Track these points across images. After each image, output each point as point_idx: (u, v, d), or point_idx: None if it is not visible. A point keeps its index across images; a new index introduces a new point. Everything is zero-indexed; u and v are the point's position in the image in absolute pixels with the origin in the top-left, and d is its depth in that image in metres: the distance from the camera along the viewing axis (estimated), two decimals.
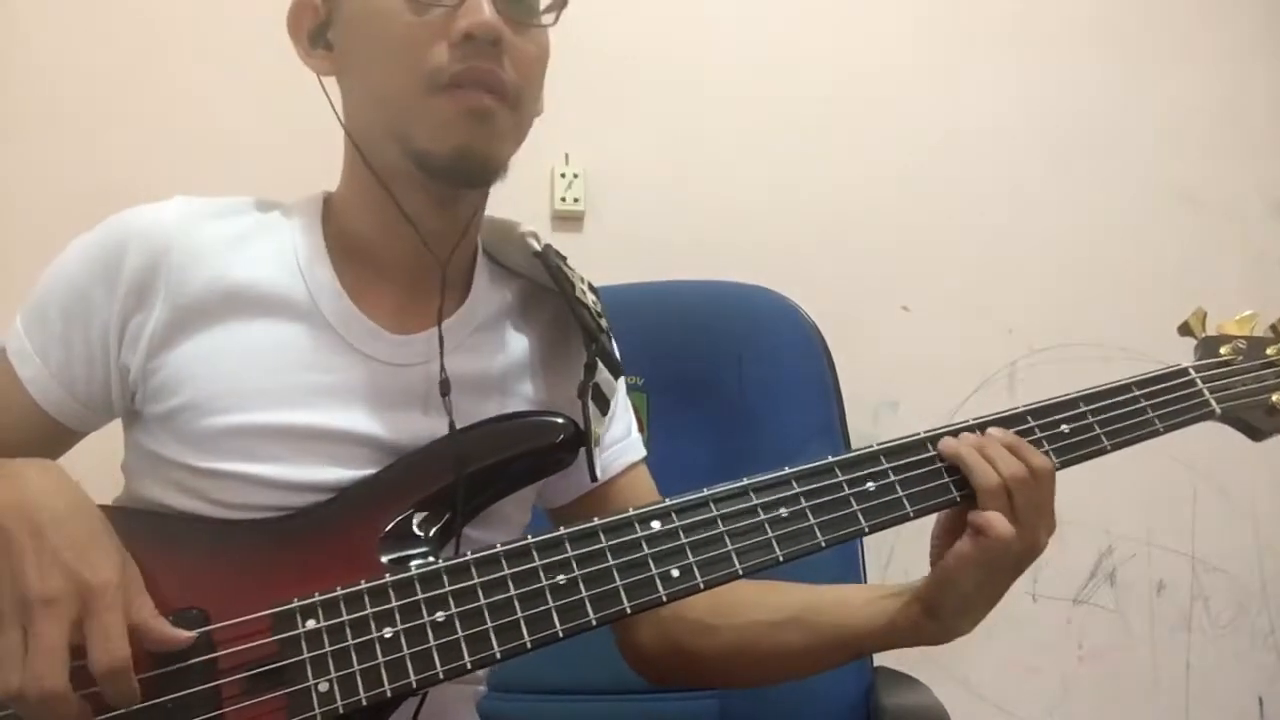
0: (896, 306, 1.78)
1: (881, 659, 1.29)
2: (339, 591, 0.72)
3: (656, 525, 0.78)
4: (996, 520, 0.79)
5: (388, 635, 0.70)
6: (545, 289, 0.94)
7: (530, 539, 0.76)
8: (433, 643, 0.71)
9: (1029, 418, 0.87)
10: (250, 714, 0.68)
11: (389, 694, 0.69)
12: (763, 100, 1.77)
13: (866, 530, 0.80)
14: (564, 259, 0.94)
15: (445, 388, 0.84)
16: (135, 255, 0.81)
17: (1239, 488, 1.79)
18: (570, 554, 0.75)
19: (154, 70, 1.62)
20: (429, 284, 0.87)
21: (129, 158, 1.59)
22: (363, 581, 0.72)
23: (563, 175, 1.70)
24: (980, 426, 0.85)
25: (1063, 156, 1.84)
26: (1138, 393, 0.90)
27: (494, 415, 0.86)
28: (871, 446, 0.84)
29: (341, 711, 0.68)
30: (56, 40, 1.61)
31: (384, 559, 0.76)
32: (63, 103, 1.60)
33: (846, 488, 0.81)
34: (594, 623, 0.73)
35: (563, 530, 0.77)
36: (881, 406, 1.72)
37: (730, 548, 0.77)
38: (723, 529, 0.78)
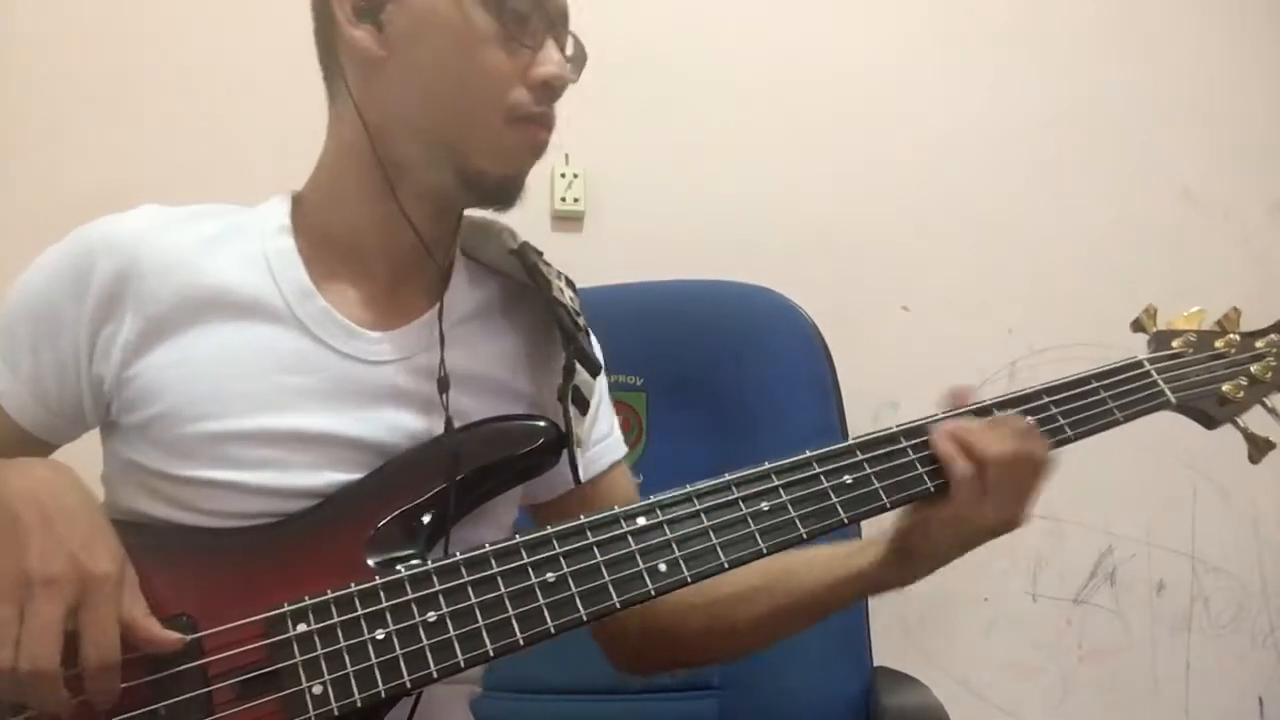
0: (896, 306, 1.78)
1: (881, 659, 1.29)
2: (330, 595, 0.72)
3: (642, 521, 0.79)
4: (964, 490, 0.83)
5: (380, 636, 0.71)
6: (525, 286, 0.94)
7: (518, 538, 0.77)
8: (425, 642, 0.71)
9: (994, 410, 0.90)
10: (244, 719, 0.68)
11: (383, 694, 0.69)
12: (763, 100, 1.77)
13: (846, 521, 0.82)
14: (540, 255, 0.94)
15: (444, 385, 0.84)
16: (103, 265, 0.81)
17: (1239, 488, 1.78)
18: (558, 551, 0.76)
19: (154, 71, 1.63)
20: (411, 280, 0.88)
21: (129, 158, 1.60)
22: (353, 584, 0.73)
23: (563, 175, 1.70)
24: (952, 417, 0.88)
25: (1062, 156, 1.84)
26: (1096, 384, 0.94)
27: (476, 417, 0.86)
28: (848, 441, 0.86)
29: (336, 713, 0.68)
30: (57, 40, 1.61)
31: (371, 562, 0.76)
32: (63, 103, 1.60)
33: (825, 480, 0.83)
34: (584, 618, 0.74)
35: (550, 529, 0.77)
36: (881, 407, 1.72)
37: (715, 541, 0.79)
38: (706, 523, 0.80)
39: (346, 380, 0.84)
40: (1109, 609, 1.78)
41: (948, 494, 0.84)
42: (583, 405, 0.91)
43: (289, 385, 0.82)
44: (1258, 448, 0.98)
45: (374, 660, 0.70)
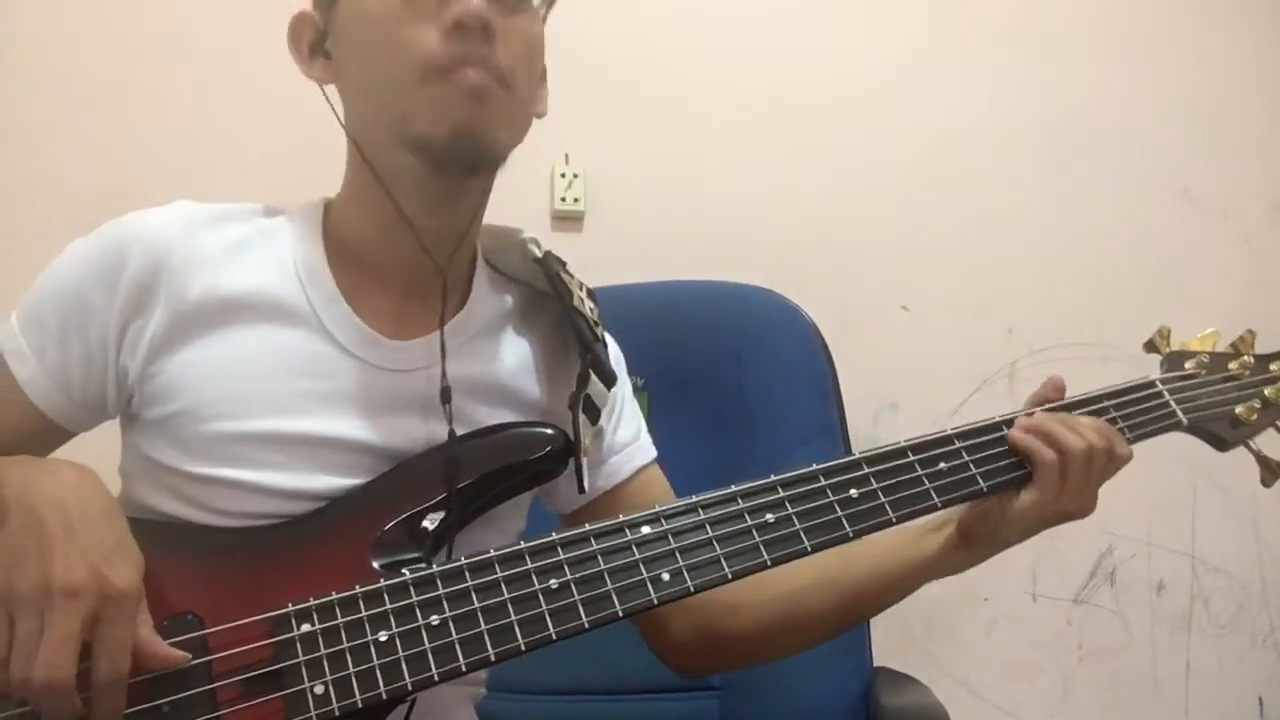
0: (896, 306, 1.78)
1: (882, 659, 1.29)
2: (334, 596, 0.72)
3: (646, 530, 0.79)
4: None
5: (383, 638, 0.71)
6: (545, 295, 0.95)
7: (523, 544, 0.77)
8: (427, 645, 0.71)
9: (1004, 427, 0.89)
10: (247, 717, 0.68)
11: (384, 696, 0.69)
12: (763, 100, 1.77)
13: (851, 535, 0.82)
14: (564, 265, 0.94)
15: (446, 395, 0.84)
16: (136, 260, 0.82)
17: (1239, 488, 1.78)
18: (562, 558, 0.76)
19: (154, 71, 1.62)
20: (427, 289, 0.88)
21: (129, 158, 1.59)
22: (357, 586, 0.73)
23: (563, 175, 1.70)
24: (958, 436, 0.88)
25: (1062, 156, 1.84)
26: (1108, 403, 0.94)
27: (487, 424, 0.87)
28: (854, 455, 0.86)
29: (337, 714, 0.68)
30: (57, 40, 1.61)
31: (376, 564, 0.77)
32: (63, 103, 1.60)
33: (831, 494, 0.83)
34: (586, 625, 0.74)
35: (554, 535, 0.78)
36: (881, 407, 1.72)
37: (719, 552, 0.79)
38: (711, 534, 0.80)
39: (365, 387, 0.84)
40: (1109, 609, 1.78)
41: (1029, 484, 0.85)
42: (594, 415, 0.91)
43: (308, 390, 0.83)
44: (1270, 471, 0.98)
45: (376, 662, 0.70)
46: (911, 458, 0.86)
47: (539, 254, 0.93)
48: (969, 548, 0.89)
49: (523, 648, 0.73)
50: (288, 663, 0.69)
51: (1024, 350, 1.80)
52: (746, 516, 0.81)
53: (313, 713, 0.68)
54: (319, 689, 0.69)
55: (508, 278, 0.97)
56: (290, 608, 0.71)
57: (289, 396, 0.82)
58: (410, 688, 0.70)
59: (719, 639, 0.95)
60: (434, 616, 0.72)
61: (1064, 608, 1.77)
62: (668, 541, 0.79)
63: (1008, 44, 1.84)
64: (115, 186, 1.53)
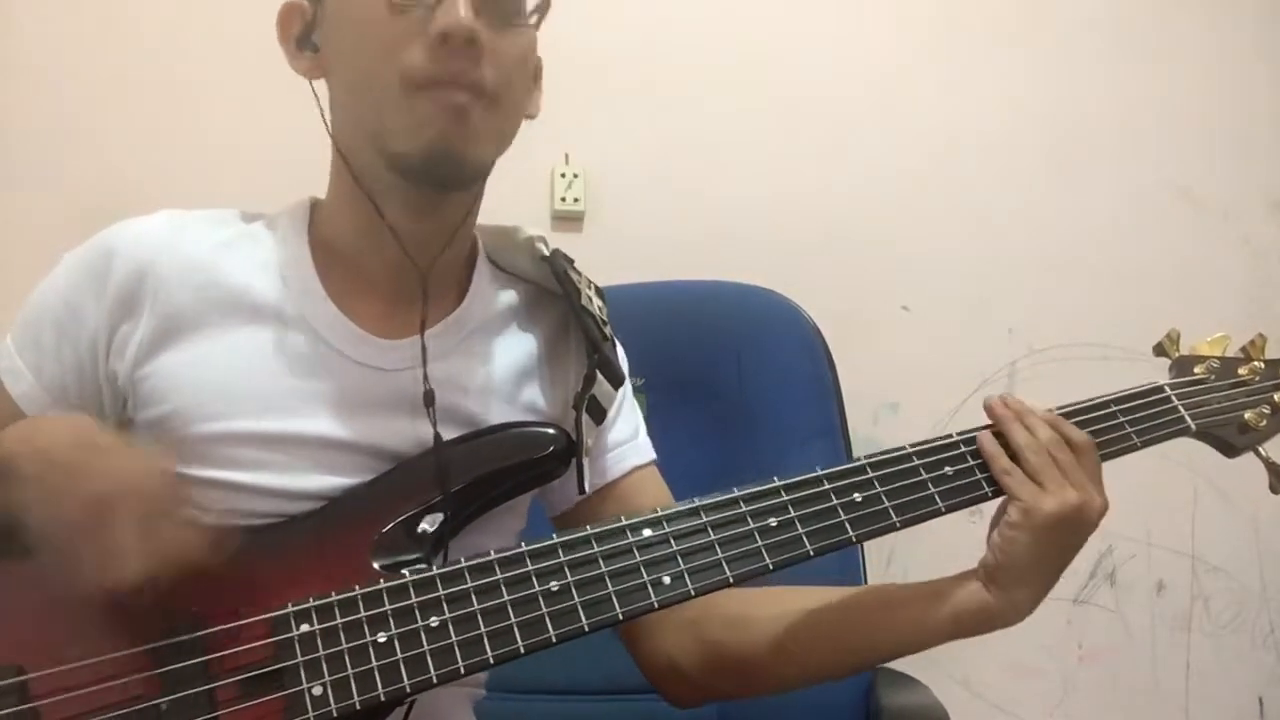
0: (896, 306, 1.78)
1: None
2: (334, 597, 0.72)
3: (648, 533, 0.78)
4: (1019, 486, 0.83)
5: (382, 640, 0.71)
6: (551, 293, 0.94)
7: (523, 546, 0.76)
8: (426, 647, 0.71)
9: None
10: (245, 717, 0.68)
11: (382, 698, 0.69)
12: (763, 100, 1.77)
13: (854, 540, 0.81)
14: (571, 262, 0.93)
15: (429, 398, 0.83)
16: (122, 265, 0.82)
17: (1239, 488, 1.78)
18: (563, 560, 0.76)
19: (154, 72, 1.62)
20: (413, 290, 0.87)
21: (129, 158, 1.60)
22: (357, 587, 0.73)
23: (563, 175, 1.70)
24: (964, 441, 0.86)
25: (1063, 157, 1.84)
26: (1115, 409, 0.92)
27: (487, 424, 0.86)
28: (859, 460, 0.85)
29: (335, 715, 0.68)
30: (57, 41, 1.61)
31: (376, 565, 0.76)
32: (63, 104, 1.60)
33: (834, 498, 0.82)
34: (586, 629, 0.74)
35: (555, 538, 0.77)
36: (881, 407, 1.72)
37: (720, 555, 0.78)
38: (713, 537, 0.79)
39: (356, 386, 0.84)
40: (1109, 609, 1.78)
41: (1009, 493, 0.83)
42: (598, 415, 0.90)
43: (299, 389, 0.82)
44: (1279, 477, 0.96)
45: (374, 663, 0.70)
46: (916, 462, 0.85)
47: (546, 252, 0.92)
48: (995, 584, 0.82)
49: (522, 650, 0.72)
50: (286, 663, 0.69)
51: (1024, 350, 1.80)
52: (749, 520, 0.80)
53: (311, 714, 0.68)
54: (317, 690, 0.68)
55: (511, 275, 0.96)
56: (290, 608, 0.71)
57: (278, 396, 0.82)
58: (408, 690, 0.70)
59: (723, 655, 0.90)
60: (433, 618, 0.72)
61: (1064, 608, 1.77)
62: (669, 544, 0.78)
63: (1008, 45, 1.84)
64: (115, 186, 1.54)
